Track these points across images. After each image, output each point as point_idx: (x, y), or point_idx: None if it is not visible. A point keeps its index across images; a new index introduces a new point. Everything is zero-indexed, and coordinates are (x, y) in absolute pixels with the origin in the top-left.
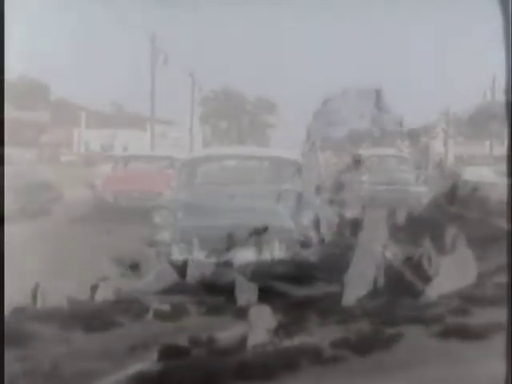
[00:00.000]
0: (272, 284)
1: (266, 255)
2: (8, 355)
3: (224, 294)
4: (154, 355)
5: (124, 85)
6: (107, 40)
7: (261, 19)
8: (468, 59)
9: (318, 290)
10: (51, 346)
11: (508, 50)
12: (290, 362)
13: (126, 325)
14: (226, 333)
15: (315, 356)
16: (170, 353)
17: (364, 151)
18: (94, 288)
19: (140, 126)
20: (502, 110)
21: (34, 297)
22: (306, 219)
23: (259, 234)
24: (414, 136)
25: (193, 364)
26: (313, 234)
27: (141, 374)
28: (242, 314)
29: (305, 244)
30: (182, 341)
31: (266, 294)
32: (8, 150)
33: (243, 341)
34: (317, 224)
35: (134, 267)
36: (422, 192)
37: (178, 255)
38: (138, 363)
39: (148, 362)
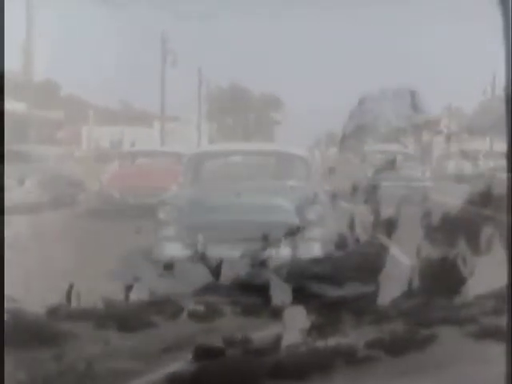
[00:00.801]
0: (307, 284)
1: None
2: (43, 355)
3: (259, 294)
4: (188, 356)
5: (132, 82)
6: (114, 37)
7: (268, 16)
8: (469, 57)
9: (352, 290)
10: (86, 346)
11: (508, 49)
12: (324, 362)
13: (160, 325)
14: (261, 333)
15: (349, 357)
16: (204, 353)
17: (369, 147)
18: (128, 288)
19: (147, 123)
20: (502, 107)
21: (69, 296)
22: (313, 215)
23: (294, 234)
24: (417, 132)
25: (227, 364)
26: (347, 234)
27: (175, 374)
28: (276, 314)
29: (340, 244)
30: (217, 341)
31: (300, 295)
32: (31, 148)
33: (278, 341)
34: (351, 223)
35: (169, 267)
36: (428, 188)
37: (182, 251)
38: (173, 364)
39: (182, 363)
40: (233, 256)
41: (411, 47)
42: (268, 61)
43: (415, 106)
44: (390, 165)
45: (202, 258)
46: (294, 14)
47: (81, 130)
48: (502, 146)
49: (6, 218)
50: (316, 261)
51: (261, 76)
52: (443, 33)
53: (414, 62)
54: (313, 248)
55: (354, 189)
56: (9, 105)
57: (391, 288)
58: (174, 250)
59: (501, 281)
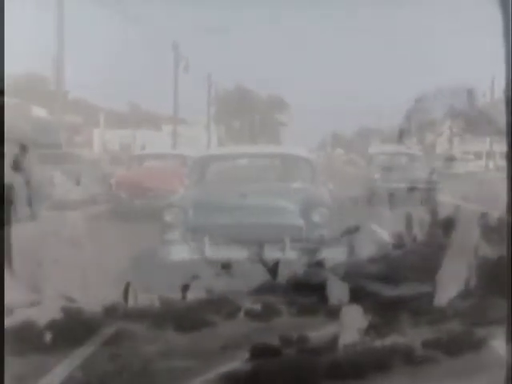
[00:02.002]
0: (364, 284)
1: (276, 254)
2: (100, 354)
3: (316, 293)
4: (245, 355)
5: (142, 86)
6: (126, 42)
7: (274, 18)
8: (468, 58)
9: (409, 289)
10: (143, 345)
11: (508, 49)
12: (381, 362)
13: (217, 324)
14: (318, 333)
15: (406, 356)
16: (260, 352)
17: (375, 149)
18: (185, 287)
19: (157, 126)
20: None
21: (126, 295)
22: (318, 217)
23: (351, 233)
24: (421, 133)
25: (284, 364)
26: (404, 233)
27: (232, 373)
28: (333, 313)
29: (397, 243)
30: (273, 340)
31: (357, 294)
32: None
33: (334, 341)
34: (409, 223)
35: (226, 266)
36: (435, 189)
37: (187, 254)
38: (230, 362)
39: (239, 362)
40: (238, 258)
41: (414, 50)
42: (273, 63)
43: (471, 104)
44: (447, 164)
45: (260, 257)
46: (298, 16)
47: (92, 133)
48: (500, 147)
49: (65, 213)
50: (373, 260)
51: (266, 78)
52: (444, 37)
53: (417, 65)
54: (319, 250)
55: (411, 189)
56: (34, 111)
57: (448, 288)
58: (180, 252)
59: None
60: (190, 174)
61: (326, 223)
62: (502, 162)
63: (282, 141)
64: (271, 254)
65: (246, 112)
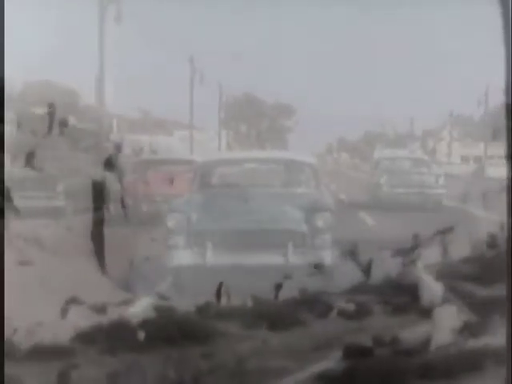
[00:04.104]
0: (457, 284)
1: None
2: (193, 352)
3: (409, 293)
4: (337, 354)
5: (155, 94)
6: (140, 53)
7: (280, 25)
8: (468, 61)
9: (503, 290)
10: (235, 344)
11: (508, 50)
12: (474, 362)
13: (310, 323)
14: (410, 333)
15: (500, 357)
16: (353, 352)
17: (381, 153)
18: (277, 287)
19: (168, 132)
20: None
21: (218, 295)
22: (321, 222)
23: (444, 233)
24: (423, 138)
25: (376, 363)
26: (498, 234)
27: (325, 372)
28: (426, 313)
29: (491, 244)
30: (366, 340)
31: (451, 294)
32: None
33: (427, 341)
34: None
35: (319, 266)
36: (441, 194)
37: (190, 259)
38: (322, 362)
39: (332, 361)
40: (242, 263)
41: (418, 57)
42: (280, 70)
43: None
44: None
45: (353, 257)
46: (304, 24)
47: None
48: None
49: None
50: (467, 260)
51: (273, 85)
52: (444, 43)
53: (420, 72)
54: (322, 256)
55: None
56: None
57: None
58: (183, 257)
59: None
60: (193, 180)
61: (329, 228)
62: None
63: (289, 146)
64: (274, 259)
65: (254, 118)
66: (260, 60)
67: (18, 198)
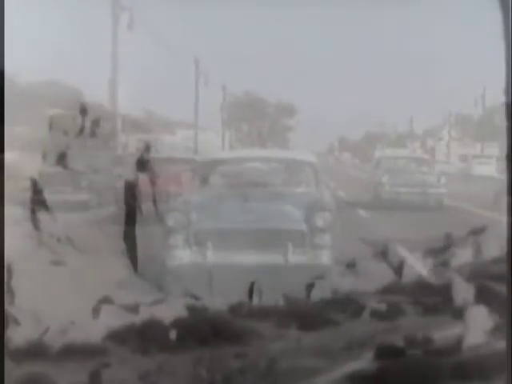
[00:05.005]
0: (489, 284)
1: (279, 260)
2: (225, 352)
3: (441, 294)
4: (369, 354)
5: (160, 95)
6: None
7: (283, 23)
8: (467, 61)
9: None
10: (267, 344)
11: (508, 50)
12: (506, 364)
13: (342, 323)
14: (442, 333)
15: None
16: (385, 352)
17: (382, 152)
18: (309, 286)
19: (171, 131)
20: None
21: (251, 294)
22: (321, 221)
23: (477, 233)
24: (424, 138)
25: (408, 364)
26: None
27: (357, 372)
28: (458, 314)
29: None
30: (398, 341)
31: (483, 295)
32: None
33: (459, 341)
34: None
35: (351, 266)
36: (442, 193)
37: (190, 259)
38: (354, 362)
39: (364, 361)
40: (242, 262)
41: (416, 58)
42: (282, 70)
43: None
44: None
45: (384, 257)
46: (307, 26)
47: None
48: (492, 151)
49: None
50: (499, 260)
51: (276, 85)
52: (444, 45)
53: (418, 72)
54: (321, 255)
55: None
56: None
57: None
58: (183, 256)
59: None
60: (193, 179)
61: (329, 227)
62: None
63: (291, 145)
64: (273, 258)
65: (256, 117)
66: (262, 61)
67: (48, 193)
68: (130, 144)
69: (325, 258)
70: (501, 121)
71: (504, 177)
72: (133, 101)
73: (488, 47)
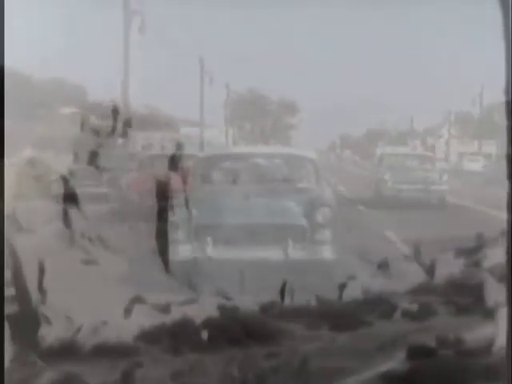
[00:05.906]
0: None
1: (279, 255)
2: (257, 352)
3: (473, 294)
4: (401, 354)
5: (166, 93)
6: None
7: (283, 23)
8: (467, 61)
9: None
10: (299, 344)
11: (508, 49)
12: None
13: (374, 324)
14: (474, 334)
15: None
16: (417, 353)
17: (384, 150)
18: (341, 287)
19: (175, 129)
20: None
21: (282, 294)
22: (321, 217)
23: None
24: (424, 136)
25: (439, 364)
26: None
27: (389, 372)
28: (490, 315)
29: None
30: (430, 341)
31: None
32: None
33: (490, 343)
34: None
35: (383, 266)
36: (445, 190)
37: (190, 254)
38: (387, 362)
39: (396, 361)
40: (241, 258)
41: (416, 58)
42: (284, 70)
43: None
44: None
45: (417, 258)
46: (308, 24)
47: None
48: (490, 148)
49: None
50: None
51: (278, 82)
52: (442, 45)
53: (418, 70)
54: (322, 251)
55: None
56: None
57: None
58: (186, 252)
59: None
60: (193, 175)
61: (329, 223)
62: None
63: (293, 143)
64: (274, 254)
65: (259, 116)
66: (264, 60)
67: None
68: (137, 142)
69: (325, 253)
70: (499, 119)
71: (488, 170)
72: (140, 99)
73: (487, 46)
